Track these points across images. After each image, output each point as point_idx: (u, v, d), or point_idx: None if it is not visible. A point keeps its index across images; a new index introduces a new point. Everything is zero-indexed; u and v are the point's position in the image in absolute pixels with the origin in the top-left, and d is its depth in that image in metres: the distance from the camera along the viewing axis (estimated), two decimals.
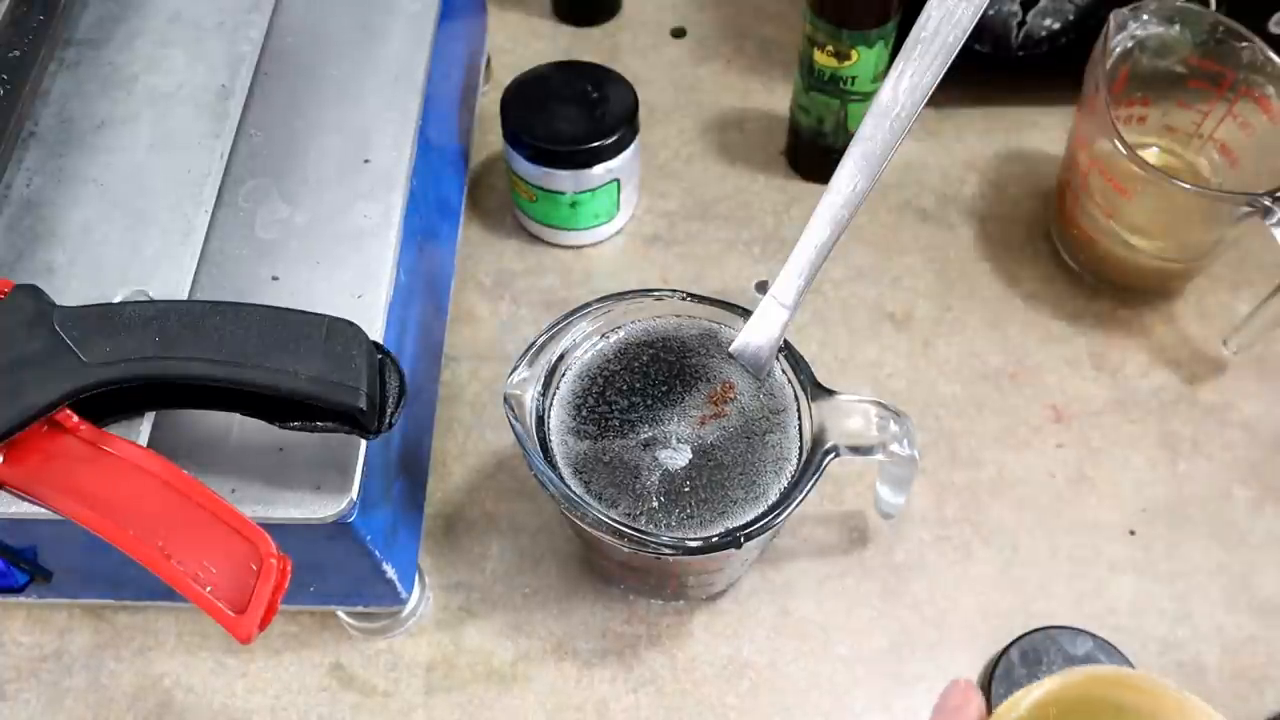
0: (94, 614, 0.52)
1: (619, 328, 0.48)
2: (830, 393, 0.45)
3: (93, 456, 0.34)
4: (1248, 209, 0.53)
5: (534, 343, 0.45)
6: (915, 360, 0.61)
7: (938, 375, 0.60)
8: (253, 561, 0.33)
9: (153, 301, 0.39)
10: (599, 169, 0.60)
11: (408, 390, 0.37)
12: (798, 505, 0.42)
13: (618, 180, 0.62)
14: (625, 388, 0.46)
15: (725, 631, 0.52)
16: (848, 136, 0.55)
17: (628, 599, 0.53)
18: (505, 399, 0.44)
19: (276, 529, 0.34)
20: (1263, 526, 0.55)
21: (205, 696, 0.50)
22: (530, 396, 0.44)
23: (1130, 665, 0.50)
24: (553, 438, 0.45)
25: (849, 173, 0.44)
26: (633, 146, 0.61)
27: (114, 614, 0.52)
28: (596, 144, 0.59)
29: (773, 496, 0.43)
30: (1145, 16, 0.58)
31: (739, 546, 0.41)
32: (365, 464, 0.39)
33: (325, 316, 0.36)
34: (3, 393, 0.33)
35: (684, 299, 0.47)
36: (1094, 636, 0.51)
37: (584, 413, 0.45)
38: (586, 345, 0.47)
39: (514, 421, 0.43)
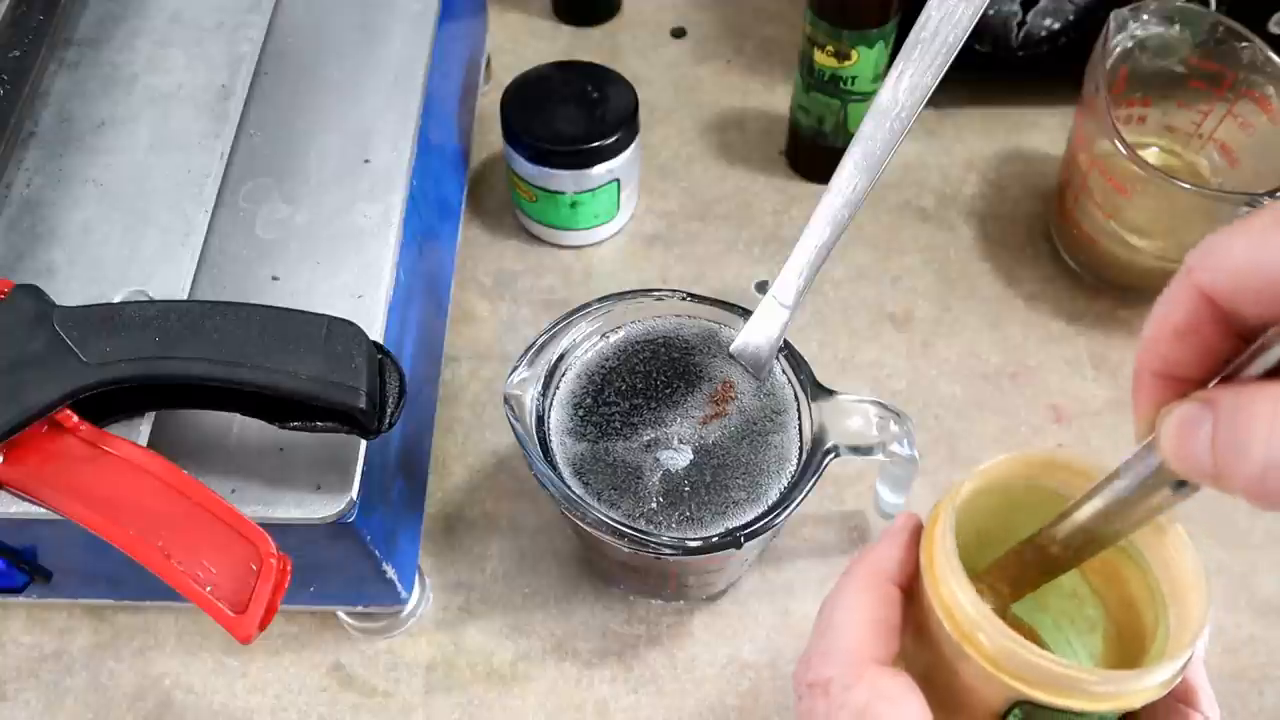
0: (94, 614, 0.52)
1: (619, 328, 0.48)
2: (830, 393, 0.45)
3: (93, 456, 0.34)
4: (1248, 209, 0.53)
5: (534, 343, 0.45)
6: (915, 360, 0.61)
7: (938, 375, 0.60)
8: (253, 561, 0.33)
9: (153, 301, 0.39)
10: (599, 169, 0.60)
11: (408, 390, 0.37)
12: (798, 505, 0.42)
13: (618, 180, 0.62)
14: (625, 388, 0.46)
15: (725, 631, 0.52)
16: (848, 136, 0.55)
17: (628, 599, 0.53)
18: (505, 399, 0.44)
19: (276, 529, 0.34)
20: (1262, 526, 0.55)
21: (205, 696, 0.50)
22: (530, 396, 0.44)
23: None
24: (553, 438, 0.45)
25: (849, 173, 0.44)
26: (633, 146, 0.61)
27: (114, 614, 0.52)
28: (596, 144, 0.59)
29: (773, 497, 0.43)
30: (1145, 16, 0.58)
31: (739, 546, 0.41)
32: (365, 464, 0.39)
33: (325, 316, 0.36)
34: (3, 393, 0.33)
35: (684, 299, 0.47)
36: None
37: (584, 413, 0.45)
38: (587, 345, 0.47)
39: (514, 421, 0.43)
